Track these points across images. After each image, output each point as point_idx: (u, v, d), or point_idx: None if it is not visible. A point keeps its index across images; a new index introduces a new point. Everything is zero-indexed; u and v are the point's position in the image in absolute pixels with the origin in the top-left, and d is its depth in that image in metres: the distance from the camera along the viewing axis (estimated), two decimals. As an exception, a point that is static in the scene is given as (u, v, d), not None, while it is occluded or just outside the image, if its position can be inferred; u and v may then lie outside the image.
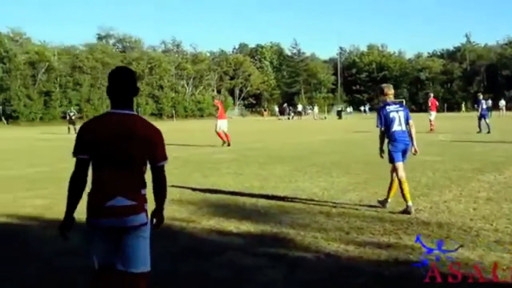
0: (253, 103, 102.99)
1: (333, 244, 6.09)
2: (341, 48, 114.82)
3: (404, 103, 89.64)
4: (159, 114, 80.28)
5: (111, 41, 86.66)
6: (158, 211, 3.70)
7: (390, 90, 8.31)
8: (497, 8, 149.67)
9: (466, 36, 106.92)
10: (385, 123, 8.01)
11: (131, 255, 3.44)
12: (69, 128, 36.80)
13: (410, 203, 7.71)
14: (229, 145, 21.10)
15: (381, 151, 8.19)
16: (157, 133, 3.53)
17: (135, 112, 3.57)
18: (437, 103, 32.79)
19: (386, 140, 8.09)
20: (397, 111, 8.04)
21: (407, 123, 8.03)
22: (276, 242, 6.27)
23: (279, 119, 70.64)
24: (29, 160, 17.80)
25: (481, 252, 5.59)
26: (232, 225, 7.13)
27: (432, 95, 32.77)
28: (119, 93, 3.48)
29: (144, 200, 3.49)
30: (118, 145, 3.34)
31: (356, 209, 8.07)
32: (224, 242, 6.30)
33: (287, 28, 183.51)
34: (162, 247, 5.97)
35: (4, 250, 6.22)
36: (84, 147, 3.39)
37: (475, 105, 32.77)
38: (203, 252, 5.90)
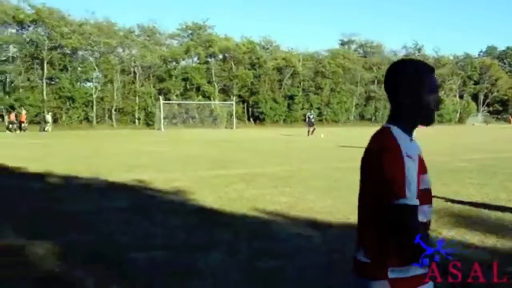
0: (499, 110, 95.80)
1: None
2: None
3: None
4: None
5: (353, 47, 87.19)
6: None
7: None
8: None
9: None
10: None
11: None
12: (308, 131, 37.30)
13: None
14: None
15: None
16: (378, 153, 2.23)
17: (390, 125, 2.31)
18: None
19: None
20: None
21: None
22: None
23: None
24: (274, 159, 18.92)
25: None
26: (475, 238, 6.76)
27: None
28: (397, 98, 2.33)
29: (384, 259, 2.22)
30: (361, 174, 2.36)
31: None
32: (469, 256, 5.93)
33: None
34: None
35: (249, 245, 6.58)
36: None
37: None
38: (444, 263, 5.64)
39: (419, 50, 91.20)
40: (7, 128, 48.31)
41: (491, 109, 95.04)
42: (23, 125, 49.35)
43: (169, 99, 62.04)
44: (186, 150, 23.86)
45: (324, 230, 7.15)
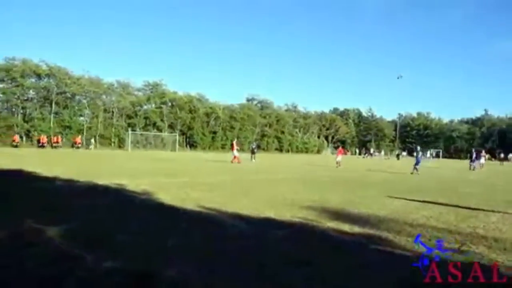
0: (340, 145, 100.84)
1: (422, 247, 5.39)
2: (399, 113, 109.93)
3: (440, 152, 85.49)
4: (280, 149, 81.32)
5: (254, 102, 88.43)
6: None
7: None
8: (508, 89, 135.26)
9: (485, 110, 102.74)
10: None
11: None
12: (251, 157, 31.22)
13: None
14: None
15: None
16: None
17: None
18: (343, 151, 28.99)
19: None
20: None
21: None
22: (381, 241, 5.73)
23: (363, 157, 68.33)
24: (209, 173, 18.34)
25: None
26: (346, 227, 6.64)
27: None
28: None
29: None
30: None
31: (429, 222, 7.26)
32: (345, 239, 5.83)
33: (366, 99, 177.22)
34: (316, 243, 5.74)
35: (199, 231, 6.18)
36: None
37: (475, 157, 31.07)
38: (333, 242, 5.52)
39: (295, 107, 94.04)
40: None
41: (335, 145, 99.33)
42: (54, 144, 49.68)
43: (135, 130, 60.55)
44: (148, 165, 22.87)
45: (247, 221, 6.84)
